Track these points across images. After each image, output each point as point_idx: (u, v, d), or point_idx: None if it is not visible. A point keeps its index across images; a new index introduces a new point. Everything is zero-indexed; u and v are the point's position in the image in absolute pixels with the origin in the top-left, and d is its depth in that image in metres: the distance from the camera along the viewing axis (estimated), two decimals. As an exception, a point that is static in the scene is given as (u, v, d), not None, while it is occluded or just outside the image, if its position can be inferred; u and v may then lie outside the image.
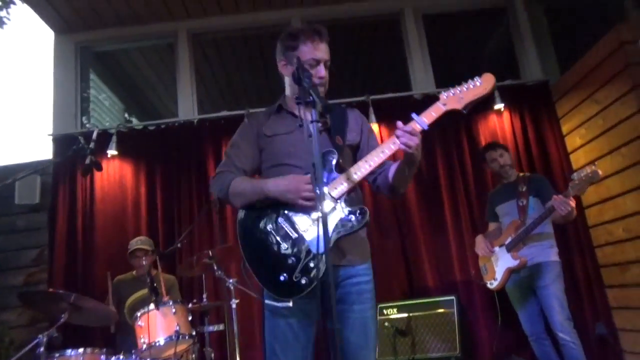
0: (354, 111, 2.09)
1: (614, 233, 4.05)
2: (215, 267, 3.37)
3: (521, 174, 3.63)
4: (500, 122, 4.72)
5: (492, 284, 3.50)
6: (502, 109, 4.66)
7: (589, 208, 4.33)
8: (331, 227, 1.75)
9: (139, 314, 3.09)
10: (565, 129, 4.65)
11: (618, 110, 3.81)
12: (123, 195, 4.55)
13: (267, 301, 1.82)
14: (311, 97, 1.61)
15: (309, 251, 1.74)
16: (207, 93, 6.15)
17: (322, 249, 1.64)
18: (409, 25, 5.15)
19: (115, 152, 4.54)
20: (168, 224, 4.43)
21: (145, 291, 3.63)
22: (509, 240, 3.40)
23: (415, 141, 1.71)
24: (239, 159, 1.97)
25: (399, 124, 1.73)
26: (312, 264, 1.72)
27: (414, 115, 1.77)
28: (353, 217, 1.77)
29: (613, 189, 3.94)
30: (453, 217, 4.42)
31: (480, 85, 1.83)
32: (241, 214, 1.86)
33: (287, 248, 1.76)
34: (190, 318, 3.22)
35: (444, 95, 1.83)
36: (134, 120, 6.49)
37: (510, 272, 3.38)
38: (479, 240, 3.60)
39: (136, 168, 4.64)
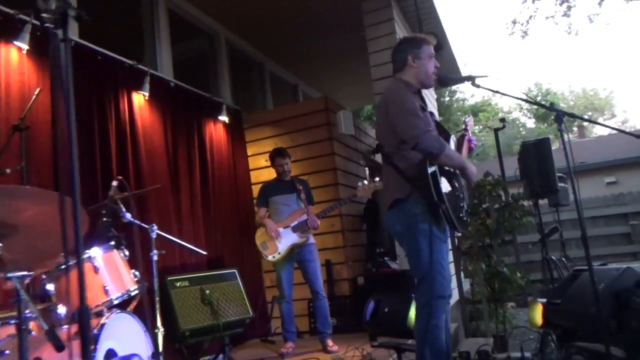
0: None
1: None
2: (124, 211, 2.57)
3: (293, 176, 4.72)
4: (217, 131, 5.53)
5: (275, 257, 4.34)
6: (227, 121, 5.54)
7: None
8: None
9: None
10: (250, 151, 6.02)
11: (319, 147, 5.66)
12: None
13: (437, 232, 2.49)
14: None
15: (464, 201, 2.70)
16: None
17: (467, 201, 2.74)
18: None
19: None
20: None
21: None
22: (295, 223, 4.41)
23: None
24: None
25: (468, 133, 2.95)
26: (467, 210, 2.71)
27: (470, 138, 2.98)
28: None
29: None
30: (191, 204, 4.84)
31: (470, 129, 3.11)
32: (435, 169, 2.49)
33: (461, 198, 2.66)
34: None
35: (468, 125, 3.05)
36: None
37: (293, 247, 4.38)
38: (270, 223, 4.37)
39: None
